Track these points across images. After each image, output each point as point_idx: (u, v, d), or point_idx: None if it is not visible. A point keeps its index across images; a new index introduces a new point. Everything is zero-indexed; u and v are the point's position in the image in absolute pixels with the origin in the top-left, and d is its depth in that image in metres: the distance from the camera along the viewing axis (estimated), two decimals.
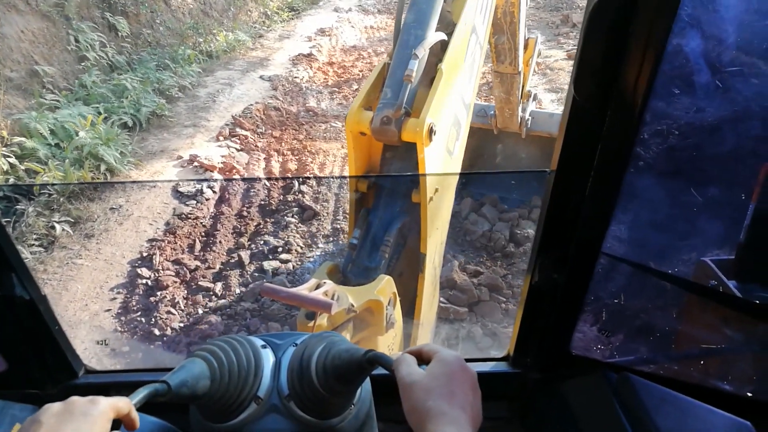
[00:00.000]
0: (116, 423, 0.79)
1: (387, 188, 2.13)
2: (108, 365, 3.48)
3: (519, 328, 1.24)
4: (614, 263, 1.12)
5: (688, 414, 0.99)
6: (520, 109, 4.45)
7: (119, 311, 3.99)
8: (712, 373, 1.09)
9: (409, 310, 2.21)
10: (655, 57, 0.84)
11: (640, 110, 0.89)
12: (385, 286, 1.85)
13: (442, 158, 2.07)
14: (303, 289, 1.52)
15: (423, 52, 1.90)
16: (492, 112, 4.70)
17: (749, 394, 1.03)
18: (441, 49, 2.06)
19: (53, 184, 4.95)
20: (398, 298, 1.94)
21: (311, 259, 4.59)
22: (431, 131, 1.87)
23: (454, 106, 2.13)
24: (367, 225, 2.08)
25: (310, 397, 0.96)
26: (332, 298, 1.59)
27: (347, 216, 4.85)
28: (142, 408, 0.93)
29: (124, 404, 0.79)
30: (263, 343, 1.06)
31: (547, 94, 7.70)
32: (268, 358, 1.03)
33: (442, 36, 2.03)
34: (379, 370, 0.92)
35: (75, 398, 0.76)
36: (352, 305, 1.68)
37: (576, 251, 1.08)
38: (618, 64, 0.86)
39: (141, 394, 0.84)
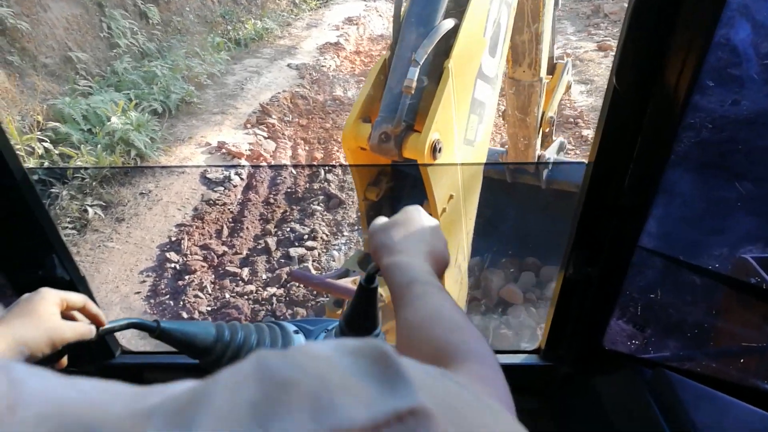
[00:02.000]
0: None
1: (400, 199, 1.97)
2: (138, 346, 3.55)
3: (551, 322, 1.23)
4: (650, 257, 1.10)
5: (727, 412, 0.97)
6: (539, 140, 3.43)
7: (148, 294, 4.07)
8: (751, 371, 1.07)
9: None
10: (701, 48, 0.81)
11: (683, 102, 0.87)
12: None
13: (459, 157, 1.83)
14: (333, 277, 1.53)
15: (425, 55, 1.62)
16: (504, 151, 3.71)
17: None
18: (454, 33, 1.70)
19: (85, 168, 5.05)
20: None
21: (336, 247, 4.61)
22: (435, 148, 1.64)
23: (471, 91, 1.83)
24: None
25: None
26: None
27: None
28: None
29: (77, 298, 0.85)
30: (295, 328, 1.07)
31: (576, 86, 7.57)
32: (300, 342, 1.04)
33: (451, 24, 1.69)
34: None
35: (25, 294, 0.82)
36: (381, 295, 1.68)
37: (611, 245, 1.06)
38: (662, 55, 0.84)
39: (123, 321, 0.89)
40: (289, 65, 8.57)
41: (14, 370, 0.26)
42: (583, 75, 7.91)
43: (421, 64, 1.60)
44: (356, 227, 4.83)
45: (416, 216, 0.84)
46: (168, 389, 0.26)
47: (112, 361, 1.33)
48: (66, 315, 0.84)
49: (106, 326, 0.88)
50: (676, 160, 0.95)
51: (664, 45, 0.83)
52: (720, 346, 1.15)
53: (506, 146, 3.71)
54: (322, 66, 8.65)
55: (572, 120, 6.41)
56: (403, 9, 1.75)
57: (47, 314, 0.80)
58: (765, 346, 1.08)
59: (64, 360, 0.87)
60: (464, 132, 1.83)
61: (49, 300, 0.81)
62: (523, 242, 3.90)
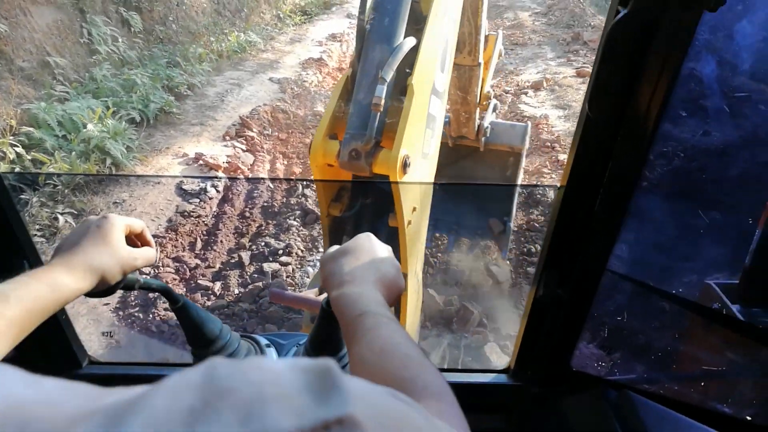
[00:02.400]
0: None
1: (364, 213, 1.97)
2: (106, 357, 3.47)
3: (521, 342, 1.25)
4: (618, 281, 1.12)
5: None
6: (477, 114, 3.89)
7: (117, 306, 3.99)
8: (712, 394, 1.10)
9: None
10: (669, 80, 0.85)
11: (652, 131, 0.90)
12: None
13: (419, 174, 1.87)
14: (309, 293, 1.53)
15: (391, 72, 1.66)
16: (446, 119, 3.98)
17: (748, 418, 1.04)
18: (412, 50, 1.78)
19: (58, 174, 4.97)
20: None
21: (311, 263, 4.59)
22: (405, 164, 1.68)
23: (427, 107, 1.89)
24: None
25: None
26: None
27: None
28: None
29: (138, 224, 0.91)
30: (267, 342, 1.08)
31: (554, 111, 7.72)
32: (271, 356, 1.04)
33: (412, 43, 1.76)
34: None
35: (90, 217, 0.86)
36: None
37: (581, 267, 1.08)
38: (632, 84, 0.88)
39: (159, 282, 0.93)
40: (270, 79, 8.58)
41: None
42: (562, 100, 8.07)
43: (388, 81, 1.63)
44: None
45: (367, 244, 0.84)
46: (128, 392, 0.27)
47: (79, 371, 1.30)
48: (128, 240, 0.88)
49: (144, 281, 0.91)
50: (645, 186, 0.98)
51: (635, 75, 0.86)
52: (683, 370, 1.17)
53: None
54: (304, 81, 8.69)
55: (549, 144, 6.53)
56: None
57: (118, 242, 0.84)
58: (725, 370, 1.11)
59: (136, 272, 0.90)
60: (422, 146, 1.87)
61: (118, 227, 0.85)
62: (468, 198, 4.46)
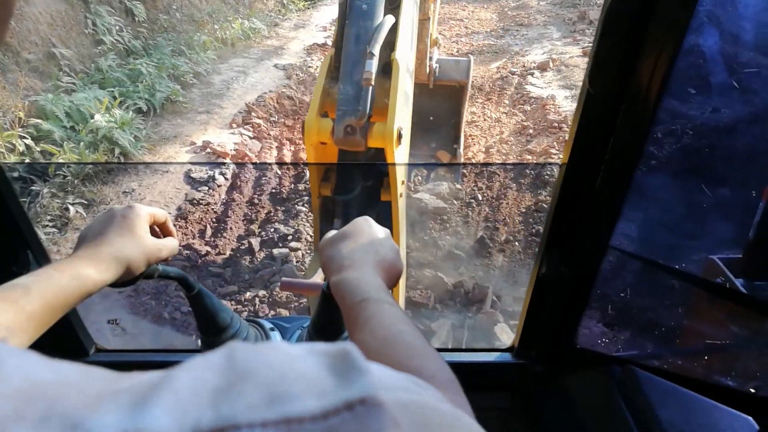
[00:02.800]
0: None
1: (355, 189, 2.01)
2: (117, 345, 3.52)
3: (524, 320, 1.25)
4: (622, 258, 1.12)
5: (691, 408, 1.00)
6: (428, 57, 4.39)
7: (130, 294, 4.04)
8: (715, 368, 1.10)
9: None
10: (671, 54, 0.84)
11: (654, 107, 0.89)
12: None
13: (405, 147, 1.96)
14: (319, 280, 1.54)
15: (378, 48, 1.73)
16: None
17: (752, 390, 1.04)
18: (393, 29, 1.90)
19: (67, 164, 5.01)
20: None
21: None
22: (400, 135, 1.75)
23: (406, 83, 1.97)
24: (340, 227, 1.99)
25: None
26: None
27: None
28: None
29: (161, 214, 0.91)
30: (271, 326, 1.09)
31: (560, 91, 7.65)
32: (276, 340, 1.06)
33: (392, 20, 1.86)
34: None
35: (115, 207, 0.86)
36: None
37: (584, 245, 1.09)
38: (633, 59, 0.87)
39: (175, 269, 0.93)
40: (276, 65, 8.56)
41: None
42: (568, 81, 7.99)
43: (377, 56, 1.70)
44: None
45: (365, 227, 0.83)
46: (145, 375, 0.27)
47: (86, 359, 1.32)
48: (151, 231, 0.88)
49: (162, 270, 0.91)
50: (645, 162, 0.98)
51: (636, 49, 0.86)
52: (686, 344, 1.18)
53: None
54: (309, 67, 8.65)
55: (556, 125, 6.48)
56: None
57: (143, 232, 0.83)
58: (728, 344, 1.11)
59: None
60: (408, 119, 1.98)
61: (143, 217, 0.85)
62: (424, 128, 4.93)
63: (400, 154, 1.81)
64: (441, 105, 4.89)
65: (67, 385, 0.26)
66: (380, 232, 0.83)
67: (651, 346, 1.20)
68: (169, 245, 0.89)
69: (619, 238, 1.07)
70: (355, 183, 1.98)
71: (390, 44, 1.86)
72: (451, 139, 5.01)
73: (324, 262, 0.80)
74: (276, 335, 1.06)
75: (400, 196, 1.89)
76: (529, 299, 1.21)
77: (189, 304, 0.96)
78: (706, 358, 1.12)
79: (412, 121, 4.63)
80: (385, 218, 2.00)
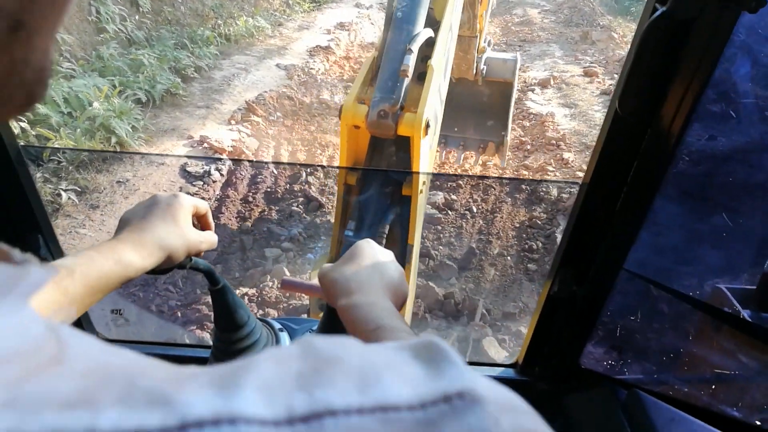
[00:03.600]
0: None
1: (377, 181, 2.16)
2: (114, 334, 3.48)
3: (531, 337, 1.25)
4: (633, 280, 1.12)
5: None
6: (475, 64, 4.73)
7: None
8: (722, 398, 1.10)
9: None
10: (702, 81, 0.84)
11: (681, 132, 0.89)
12: None
13: (430, 144, 2.13)
14: (318, 282, 1.53)
15: (416, 47, 1.93)
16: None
17: (758, 422, 1.04)
18: (426, 44, 2.13)
19: (63, 149, 4.96)
20: None
21: (313, 250, 4.59)
22: (427, 125, 1.92)
23: (440, 87, 2.20)
24: (359, 217, 2.11)
25: None
26: None
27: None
28: None
29: (204, 205, 0.90)
30: (280, 326, 1.07)
31: (560, 109, 7.71)
32: (285, 341, 1.04)
33: (430, 33, 2.10)
34: None
35: (160, 194, 0.85)
36: None
37: (599, 265, 1.08)
38: (665, 84, 0.87)
39: (207, 265, 0.92)
40: (277, 65, 8.54)
41: (62, 330, 0.26)
42: (568, 99, 8.05)
43: (415, 52, 1.90)
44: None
45: (368, 250, 0.81)
46: (214, 366, 0.26)
47: None
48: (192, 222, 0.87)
49: (193, 261, 0.90)
50: (666, 188, 0.98)
51: (668, 75, 0.86)
52: (693, 372, 1.18)
53: None
54: (311, 69, 8.64)
55: (554, 143, 6.51)
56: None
57: (186, 223, 0.83)
58: (734, 374, 1.11)
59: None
60: (436, 117, 2.15)
61: (187, 208, 0.84)
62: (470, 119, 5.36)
63: (426, 145, 1.97)
64: (489, 99, 5.25)
65: (139, 366, 0.25)
66: (384, 254, 0.82)
67: (658, 372, 1.20)
68: (210, 239, 0.89)
69: (633, 261, 1.07)
70: (374, 185, 2.11)
71: (427, 56, 2.09)
72: (499, 128, 5.33)
73: (327, 288, 0.78)
74: (285, 336, 1.05)
75: (421, 192, 2.03)
76: (538, 316, 1.20)
77: (211, 298, 0.94)
78: (713, 387, 1.12)
79: (467, 110, 5.17)
80: (399, 223, 2.12)
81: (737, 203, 1.01)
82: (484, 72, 4.86)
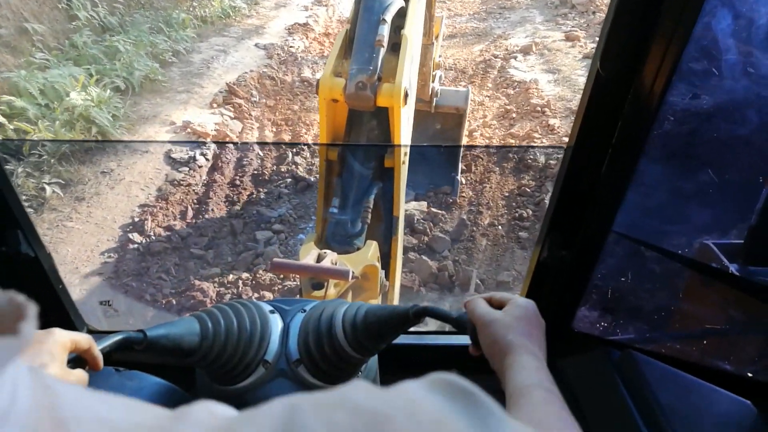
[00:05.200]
0: (81, 363, 0.80)
1: (359, 155, 2.15)
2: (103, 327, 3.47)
3: None
4: (622, 242, 1.12)
5: (690, 392, 1.01)
6: (430, 80, 4.64)
7: (111, 276, 3.97)
8: (714, 352, 1.11)
9: None
10: (682, 38, 0.83)
11: (664, 90, 0.88)
12: (374, 251, 1.92)
13: (409, 112, 2.12)
14: (309, 260, 1.52)
15: (390, 17, 1.92)
16: None
17: (749, 374, 1.05)
18: (397, 15, 2.11)
19: (43, 141, 4.88)
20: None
21: (304, 230, 4.58)
22: (406, 95, 1.91)
23: (414, 56, 2.20)
24: (343, 193, 2.09)
25: (328, 360, 0.97)
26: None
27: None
28: (149, 369, 0.93)
29: (84, 340, 0.79)
30: (271, 308, 1.06)
31: (543, 75, 7.66)
32: (276, 322, 1.03)
33: (402, 2, 2.10)
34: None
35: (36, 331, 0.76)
36: (353, 272, 1.69)
37: (587, 228, 1.08)
38: (645, 43, 0.86)
39: (113, 339, 0.84)
40: (256, 45, 8.40)
41: (47, 378, 0.24)
42: (551, 65, 8.00)
43: (389, 22, 1.89)
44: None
45: (534, 316, 0.84)
46: (210, 414, 0.25)
47: None
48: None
49: (104, 352, 0.83)
50: (651, 147, 0.97)
51: (648, 33, 0.85)
52: (684, 328, 1.19)
53: None
54: (291, 47, 8.51)
55: (539, 109, 6.49)
56: None
57: (58, 363, 0.74)
58: (725, 328, 1.13)
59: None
60: (414, 85, 2.21)
61: (61, 344, 0.75)
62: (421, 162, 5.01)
63: (405, 114, 1.97)
64: (442, 129, 5.06)
65: (144, 427, 0.24)
66: (539, 315, 0.85)
67: (650, 331, 1.21)
68: (79, 377, 0.78)
69: (621, 222, 1.07)
70: (355, 163, 2.09)
71: (400, 25, 2.08)
72: (450, 167, 5.15)
73: (501, 343, 0.79)
74: (276, 317, 1.04)
75: (403, 163, 2.04)
76: (529, 282, 1.20)
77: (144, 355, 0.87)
78: (704, 342, 1.14)
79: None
80: (382, 197, 2.11)
81: (721, 159, 1.01)
82: (438, 95, 4.78)
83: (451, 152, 5.18)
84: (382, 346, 1.01)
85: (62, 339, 0.76)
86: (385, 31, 1.86)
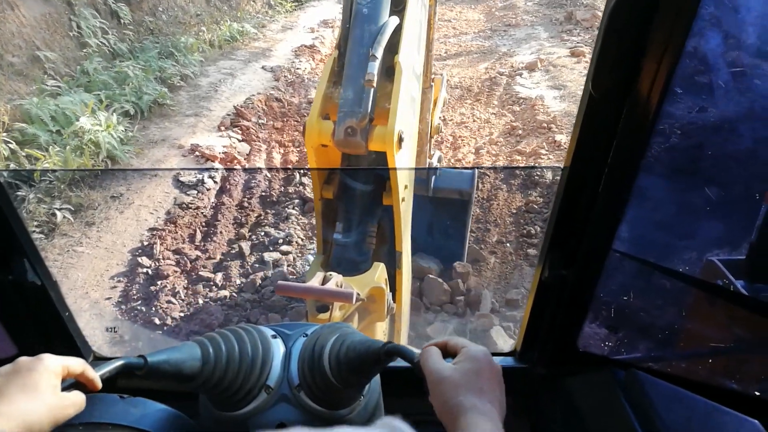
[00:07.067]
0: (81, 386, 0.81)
1: (358, 192, 1.98)
2: (112, 353, 3.48)
3: (527, 323, 1.25)
4: (624, 260, 1.12)
5: (696, 411, 1.00)
6: (429, 146, 3.93)
7: (120, 300, 3.99)
8: (719, 371, 1.10)
9: None
10: (673, 56, 0.84)
11: (657, 108, 0.89)
12: (381, 273, 1.85)
13: (408, 152, 1.92)
14: (314, 283, 1.52)
15: (381, 50, 1.72)
16: None
17: (757, 393, 1.04)
18: (397, 31, 1.89)
19: (54, 170, 4.94)
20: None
21: (312, 251, 4.59)
22: (401, 139, 1.73)
23: (411, 87, 1.94)
24: (346, 219, 1.97)
25: (321, 388, 0.96)
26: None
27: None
28: (154, 396, 0.93)
29: (76, 364, 0.79)
30: (273, 333, 1.07)
31: (549, 91, 7.69)
32: (278, 347, 1.04)
33: (396, 21, 1.86)
34: (393, 363, 0.92)
35: (22, 357, 0.76)
36: (358, 294, 1.68)
37: (586, 247, 1.08)
38: (636, 62, 0.86)
39: (112, 365, 0.84)
40: (263, 67, 8.52)
41: None
42: (557, 81, 8.03)
43: (379, 58, 1.70)
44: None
45: (487, 368, 0.80)
46: None
47: None
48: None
49: (104, 378, 0.84)
50: (647, 165, 0.98)
51: (639, 52, 0.85)
52: (689, 347, 1.18)
53: None
54: (297, 68, 8.62)
55: (545, 125, 6.50)
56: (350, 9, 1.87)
57: (51, 389, 0.74)
58: (731, 346, 1.11)
59: None
60: (411, 124, 1.93)
61: (52, 370, 0.75)
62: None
63: (402, 159, 1.78)
64: (440, 219, 4.12)
65: None
66: (497, 367, 0.82)
67: (654, 350, 1.20)
68: (75, 401, 0.78)
69: (622, 241, 1.07)
70: (357, 187, 1.96)
71: (394, 47, 1.84)
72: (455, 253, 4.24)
73: (451, 405, 0.76)
74: (278, 342, 1.04)
75: (403, 200, 1.87)
76: (532, 302, 1.20)
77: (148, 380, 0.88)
78: (710, 361, 1.12)
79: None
80: (388, 222, 1.99)
81: (720, 174, 1.01)
82: (438, 174, 3.95)
83: (457, 239, 4.20)
84: (364, 382, 1.00)
85: (53, 365, 0.76)
86: (375, 68, 1.68)
